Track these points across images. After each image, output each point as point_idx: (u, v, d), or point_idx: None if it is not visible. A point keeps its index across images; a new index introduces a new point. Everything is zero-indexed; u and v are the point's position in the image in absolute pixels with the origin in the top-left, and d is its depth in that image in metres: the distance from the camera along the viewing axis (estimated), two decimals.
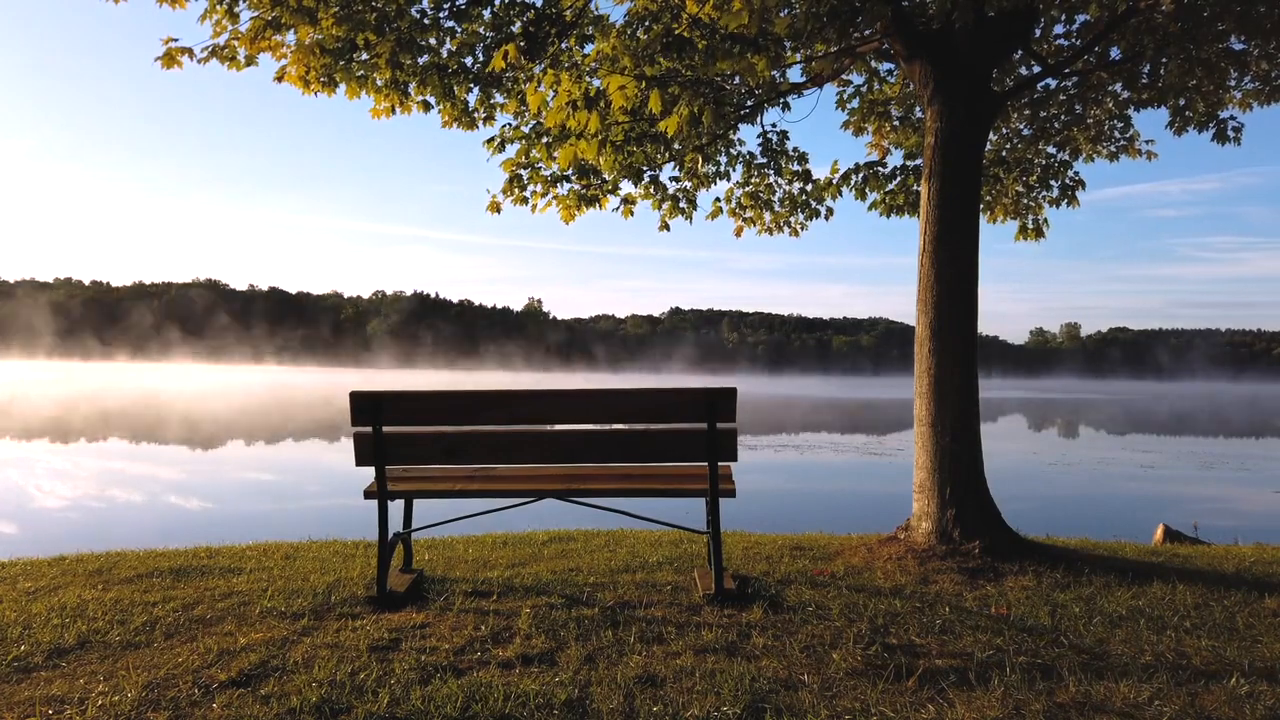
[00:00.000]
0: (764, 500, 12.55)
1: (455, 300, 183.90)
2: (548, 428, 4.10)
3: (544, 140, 6.22)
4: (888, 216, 7.11)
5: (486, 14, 5.61)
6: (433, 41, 5.62)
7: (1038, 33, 6.09)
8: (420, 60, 5.58)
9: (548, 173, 6.46)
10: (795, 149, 7.07)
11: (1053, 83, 6.38)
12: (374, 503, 3.99)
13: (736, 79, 6.06)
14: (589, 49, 5.77)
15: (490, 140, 6.36)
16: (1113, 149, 6.88)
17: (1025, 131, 6.95)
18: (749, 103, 6.53)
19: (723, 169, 7.10)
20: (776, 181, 7.32)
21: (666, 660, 3.13)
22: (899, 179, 6.97)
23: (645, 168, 6.59)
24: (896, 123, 7.06)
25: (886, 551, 4.85)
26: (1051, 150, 7.00)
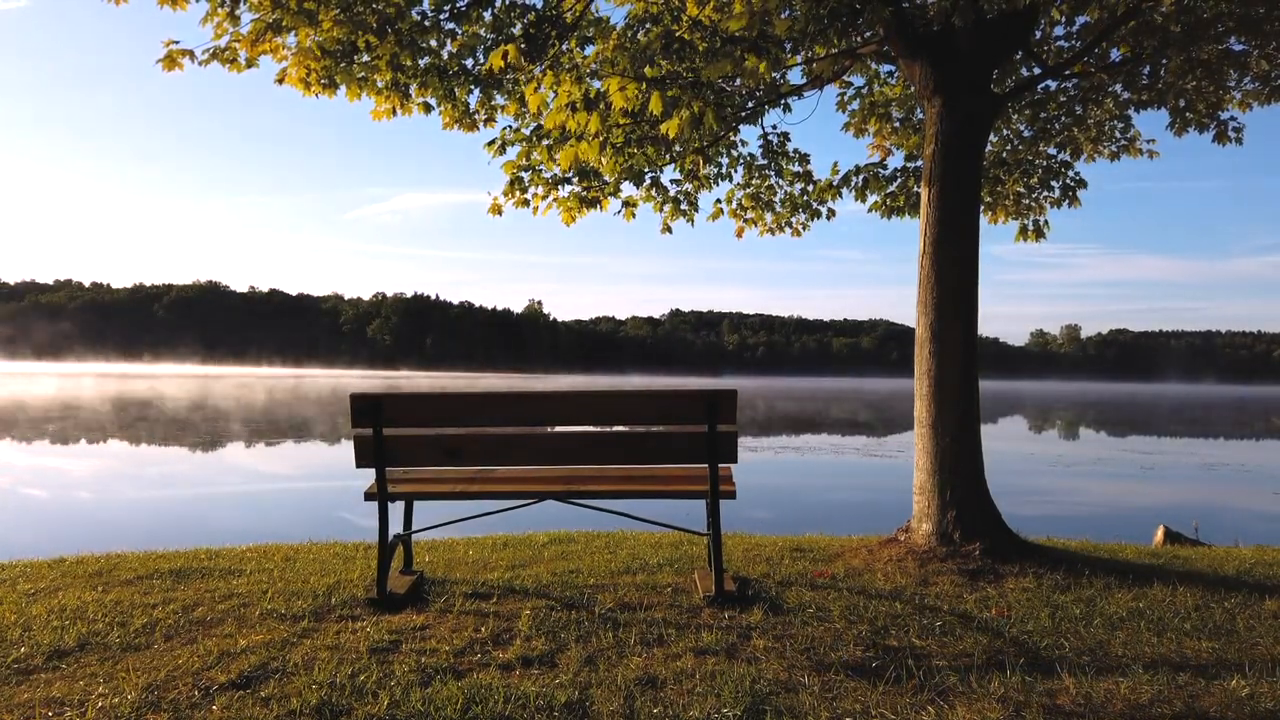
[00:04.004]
0: (764, 502, 12.53)
1: (455, 302, 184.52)
2: (548, 429, 4.10)
3: (545, 142, 6.22)
4: (888, 218, 7.11)
5: (487, 15, 5.61)
6: (433, 43, 5.61)
7: (1038, 34, 6.09)
8: (421, 62, 5.58)
9: (549, 175, 6.45)
10: (796, 150, 7.07)
11: (1053, 84, 6.38)
12: (374, 504, 3.99)
13: (737, 81, 6.05)
14: (589, 50, 5.77)
15: (491, 143, 6.36)
16: (1114, 149, 6.89)
17: (1026, 132, 6.95)
18: (749, 104, 6.53)
19: (724, 170, 7.09)
20: (777, 183, 7.31)
21: (667, 662, 3.13)
22: (899, 180, 6.97)
23: (646, 169, 6.58)
24: (897, 124, 7.05)
25: (887, 553, 4.85)
26: (1052, 151, 7.00)
